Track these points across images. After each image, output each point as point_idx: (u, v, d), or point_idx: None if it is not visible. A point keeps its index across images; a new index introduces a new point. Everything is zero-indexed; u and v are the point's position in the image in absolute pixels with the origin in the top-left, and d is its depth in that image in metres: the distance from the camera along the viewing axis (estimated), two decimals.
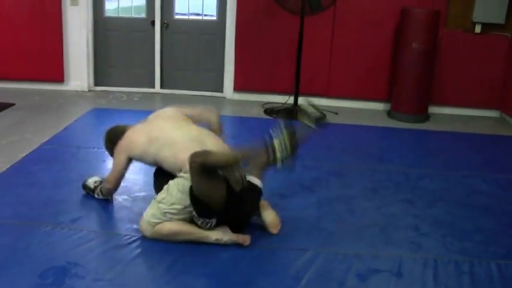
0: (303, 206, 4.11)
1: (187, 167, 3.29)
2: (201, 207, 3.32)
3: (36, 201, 3.97)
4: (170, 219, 3.38)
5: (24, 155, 4.92)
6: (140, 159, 3.70)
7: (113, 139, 3.87)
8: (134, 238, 3.48)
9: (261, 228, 3.62)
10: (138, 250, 3.36)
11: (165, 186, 3.44)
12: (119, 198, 4.04)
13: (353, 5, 7.10)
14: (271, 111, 7.00)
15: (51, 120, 6.16)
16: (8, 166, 4.63)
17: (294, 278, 3.13)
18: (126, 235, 3.52)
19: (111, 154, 3.90)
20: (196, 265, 3.21)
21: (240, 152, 3.57)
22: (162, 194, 3.43)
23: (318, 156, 5.23)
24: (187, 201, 3.32)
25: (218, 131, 3.98)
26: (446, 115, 7.29)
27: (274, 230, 3.64)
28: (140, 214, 3.54)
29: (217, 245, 3.40)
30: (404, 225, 3.89)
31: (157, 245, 3.39)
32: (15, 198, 4.00)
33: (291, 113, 6.89)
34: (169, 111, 3.97)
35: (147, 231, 3.43)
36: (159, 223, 3.38)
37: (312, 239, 3.61)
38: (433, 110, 7.26)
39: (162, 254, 3.32)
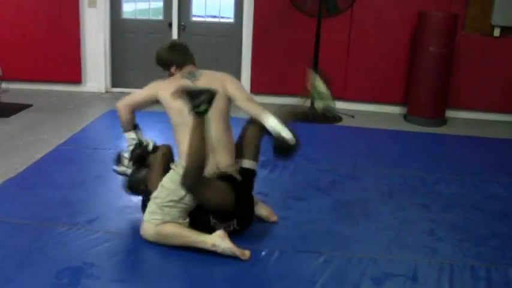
0: (318, 209, 4.10)
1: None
2: (217, 215, 3.40)
3: (52, 201, 4.00)
4: (168, 213, 3.36)
5: (40, 155, 4.95)
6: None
7: (168, 58, 3.88)
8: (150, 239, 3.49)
9: (275, 231, 3.62)
10: (154, 252, 3.37)
11: (160, 183, 3.48)
12: (134, 199, 4.05)
13: (370, 8, 7.08)
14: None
15: (68, 121, 6.20)
16: (25, 167, 4.66)
17: (308, 281, 3.12)
18: (142, 237, 3.53)
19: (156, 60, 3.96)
20: (211, 267, 3.21)
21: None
22: (156, 191, 3.47)
23: (333, 160, 5.22)
24: (182, 192, 3.33)
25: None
26: (464, 119, 7.24)
27: (275, 217, 3.73)
28: None
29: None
30: (420, 229, 3.87)
31: (173, 247, 3.39)
32: (32, 198, 4.03)
33: (307, 115, 6.88)
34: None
35: (148, 231, 3.41)
36: (159, 222, 3.36)
37: (327, 242, 3.60)
38: (450, 114, 7.22)
39: (177, 256, 3.33)
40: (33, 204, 3.93)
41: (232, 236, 3.41)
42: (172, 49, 3.87)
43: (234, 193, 3.42)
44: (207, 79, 3.71)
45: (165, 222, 3.36)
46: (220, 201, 3.38)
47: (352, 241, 3.63)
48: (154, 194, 3.46)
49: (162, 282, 3.12)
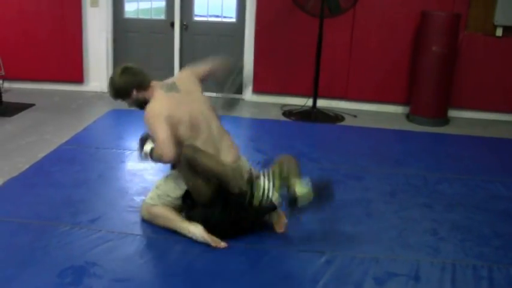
0: (321, 208, 4.09)
1: None
2: (187, 198, 3.61)
3: (55, 201, 4.00)
4: (163, 204, 3.62)
5: (43, 155, 4.96)
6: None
7: (126, 87, 3.75)
8: (152, 239, 3.51)
9: (283, 233, 3.62)
10: (156, 251, 3.38)
11: (167, 175, 3.72)
12: (137, 199, 4.06)
13: (372, 7, 7.07)
14: (289, 113, 6.99)
15: (71, 121, 6.21)
16: (28, 166, 4.67)
17: (310, 281, 3.13)
18: (144, 236, 3.55)
19: (113, 94, 3.83)
20: (214, 267, 3.22)
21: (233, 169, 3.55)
22: (161, 181, 3.73)
23: (336, 159, 5.22)
24: (178, 193, 3.59)
25: (227, 70, 3.99)
26: (466, 119, 7.23)
27: (280, 229, 3.66)
28: None
29: (191, 239, 3.47)
30: (423, 229, 3.87)
31: (175, 246, 3.41)
32: (34, 198, 4.04)
33: (309, 115, 6.89)
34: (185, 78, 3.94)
35: (144, 211, 3.72)
36: (153, 205, 3.64)
37: (329, 241, 3.60)
38: (453, 113, 7.21)
39: (179, 255, 3.34)
40: (36, 203, 3.94)
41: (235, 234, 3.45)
42: (127, 73, 3.72)
43: (216, 192, 3.47)
44: (184, 87, 3.79)
45: (156, 205, 3.64)
46: (196, 188, 3.48)
47: (354, 241, 3.63)
48: (158, 183, 3.73)
49: (164, 281, 3.13)
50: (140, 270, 3.19)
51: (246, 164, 3.81)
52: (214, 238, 3.44)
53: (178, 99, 3.63)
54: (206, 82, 3.95)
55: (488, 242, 3.70)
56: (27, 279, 3.01)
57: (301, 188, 3.41)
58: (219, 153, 3.62)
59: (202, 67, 3.99)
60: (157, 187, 3.70)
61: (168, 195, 3.63)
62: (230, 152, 3.69)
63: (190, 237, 3.46)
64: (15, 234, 3.50)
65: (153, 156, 3.57)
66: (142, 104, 3.69)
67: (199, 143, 3.53)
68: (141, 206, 3.76)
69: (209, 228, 3.47)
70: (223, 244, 3.43)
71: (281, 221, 3.66)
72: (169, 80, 3.84)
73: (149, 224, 3.68)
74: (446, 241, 3.69)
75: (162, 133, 3.46)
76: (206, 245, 3.41)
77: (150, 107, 3.59)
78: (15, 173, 4.49)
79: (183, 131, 3.54)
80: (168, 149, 3.45)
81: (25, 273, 3.06)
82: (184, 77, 3.96)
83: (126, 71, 3.72)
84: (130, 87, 3.67)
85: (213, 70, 3.96)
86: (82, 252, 3.31)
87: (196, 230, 3.45)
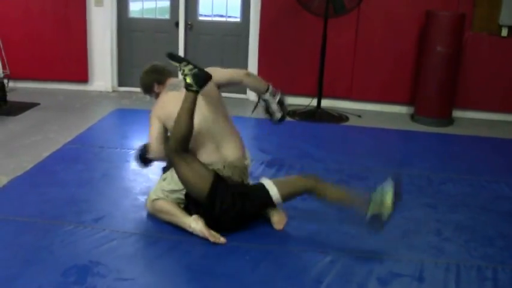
0: (325, 208, 4.08)
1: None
2: (189, 197, 3.63)
3: (59, 200, 4.01)
4: (166, 197, 3.66)
5: (47, 154, 4.97)
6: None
7: (150, 80, 4.07)
8: (156, 238, 3.51)
9: (282, 230, 3.62)
10: (160, 250, 3.38)
11: (172, 169, 3.67)
12: (141, 198, 4.06)
13: (377, 7, 7.06)
14: (294, 113, 6.99)
15: (75, 120, 6.21)
16: (32, 165, 4.68)
17: (314, 281, 3.12)
18: (148, 235, 3.55)
19: (143, 89, 4.14)
20: (217, 266, 3.22)
21: None
22: (166, 175, 3.74)
23: (340, 159, 5.21)
24: (180, 187, 3.60)
25: (258, 87, 4.05)
26: (471, 119, 7.22)
27: (279, 226, 3.68)
28: None
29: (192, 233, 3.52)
30: (427, 229, 3.86)
31: (179, 245, 3.42)
32: (39, 196, 4.04)
33: (314, 115, 6.88)
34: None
35: (148, 204, 3.78)
36: (157, 199, 3.68)
37: (333, 241, 3.60)
38: (457, 114, 7.20)
39: (182, 254, 3.34)
40: (40, 202, 3.95)
41: (239, 232, 3.50)
42: (151, 70, 4.10)
43: (213, 187, 3.47)
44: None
45: (160, 199, 3.67)
46: (194, 184, 3.49)
47: (358, 241, 3.63)
48: (162, 177, 3.77)
49: (168, 280, 3.13)
50: (144, 270, 3.19)
51: (246, 167, 3.83)
52: (214, 233, 3.47)
53: (177, 97, 3.67)
54: (224, 88, 4.01)
55: (493, 243, 3.69)
56: (31, 277, 3.01)
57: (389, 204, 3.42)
58: (219, 149, 3.67)
59: (224, 72, 4.03)
60: (160, 181, 3.76)
61: (170, 190, 3.66)
62: (231, 147, 3.73)
63: (191, 232, 3.51)
64: (20, 232, 3.50)
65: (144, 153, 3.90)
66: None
67: (193, 138, 3.58)
68: (146, 200, 3.83)
69: (212, 222, 3.50)
70: (222, 239, 3.46)
71: (281, 221, 3.69)
72: (179, 78, 3.99)
73: (153, 222, 3.70)
74: (451, 241, 3.68)
75: (152, 131, 3.78)
76: (210, 244, 3.41)
77: (153, 106, 3.89)
78: (19, 172, 4.50)
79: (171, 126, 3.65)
80: (154, 146, 3.78)
81: (29, 272, 3.06)
82: None
83: (150, 68, 4.10)
84: (151, 84, 4.03)
85: (236, 80, 4.01)
86: (86, 251, 3.31)
87: (196, 226, 3.49)
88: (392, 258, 3.42)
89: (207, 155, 3.64)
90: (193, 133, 3.56)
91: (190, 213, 3.59)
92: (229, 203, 3.47)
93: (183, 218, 3.58)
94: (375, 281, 3.15)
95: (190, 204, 3.65)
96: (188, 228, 3.53)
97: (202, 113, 3.70)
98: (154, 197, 3.70)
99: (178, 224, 3.59)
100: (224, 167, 3.63)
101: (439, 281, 3.20)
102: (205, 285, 3.07)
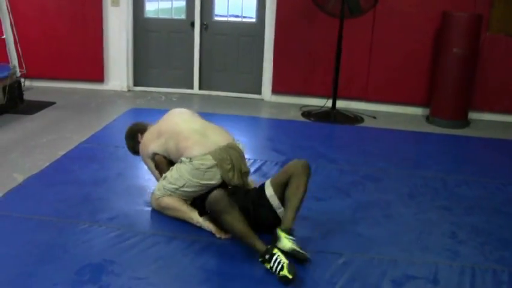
0: (339, 210, 4.09)
1: (186, 153, 3.68)
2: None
3: (74, 199, 4.03)
4: (170, 195, 3.71)
5: (63, 153, 5.00)
6: (163, 154, 3.97)
7: (132, 135, 4.30)
8: (170, 237, 3.51)
9: (295, 232, 3.60)
10: (174, 249, 3.38)
11: (172, 168, 3.76)
12: None
13: (393, 8, 7.04)
14: (308, 114, 6.98)
15: (91, 119, 6.25)
16: (48, 164, 4.71)
17: (328, 282, 3.12)
18: (162, 234, 3.55)
19: (132, 151, 4.34)
20: (229, 266, 3.22)
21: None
22: (168, 173, 3.77)
23: (354, 161, 5.19)
24: (181, 183, 3.64)
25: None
26: (487, 121, 7.17)
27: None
28: None
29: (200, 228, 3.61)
30: (441, 232, 3.84)
31: (193, 245, 3.42)
32: (54, 195, 4.07)
33: (329, 116, 6.87)
34: (182, 110, 4.24)
35: (152, 202, 3.85)
36: (161, 196, 3.73)
37: (347, 243, 3.58)
38: (473, 115, 7.16)
39: (196, 254, 3.34)
40: (56, 201, 3.97)
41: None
42: (131, 131, 4.32)
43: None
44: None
45: (165, 196, 3.73)
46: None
47: (372, 242, 3.61)
48: (165, 175, 3.79)
49: (182, 280, 3.13)
50: (158, 269, 3.20)
51: (241, 151, 3.87)
52: (219, 229, 3.53)
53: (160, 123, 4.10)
54: None
55: (509, 246, 3.66)
56: (45, 276, 3.03)
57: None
58: (207, 137, 3.78)
59: None
60: (163, 178, 3.78)
61: (172, 189, 3.69)
62: (219, 134, 3.86)
63: (198, 227, 3.61)
64: (34, 231, 3.53)
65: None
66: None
67: (177, 140, 3.79)
68: (151, 197, 3.89)
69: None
70: (228, 235, 3.49)
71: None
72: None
73: (168, 222, 3.71)
74: (466, 244, 3.66)
75: (152, 168, 4.09)
76: (223, 244, 3.42)
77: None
78: (35, 171, 4.53)
79: (167, 140, 3.88)
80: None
81: (43, 270, 3.08)
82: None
83: (129, 130, 4.35)
84: (136, 138, 4.26)
85: None
86: (100, 250, 3.32)
87: (203, 222, 3.60)
88: (407, 260, 3.40)
89: (198, 146, 3.69)
90: (176, 134, 3.81)
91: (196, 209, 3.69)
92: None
93: (189, 213, 3.67)
94: (389, 283, 3.14)
95: (197, 200, 3.69)
96: (196, 223, 3.62)
97: (182, 118, 4.00)
98: (158, 194, 3.76)
99: (184, 219, 3.68)
100: (220, 151, 3.67)
101: (453, 284, 3.18)
102: (218, 285, 3.07)
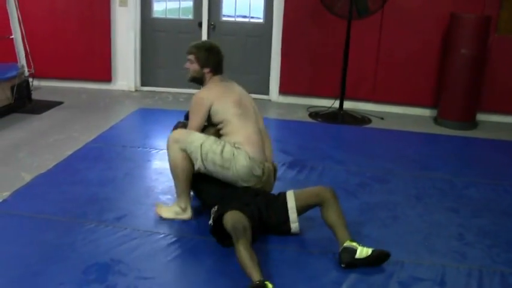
0: (346, 211, 4.04)
1: (243, 147, 3.62)
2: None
3: (81, 198, 4.04)
4: (183, 150, 3.61)
5: (70, 152, 5.01)
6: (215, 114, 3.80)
7: (211, 51, 4.00)
8: (177, 237, 3.52)
9: (302, 232, 3.61)
10: (180, 250, 3.39)
11: (220, 140, 3.66)
12: (163, 197, 4.08)
13: (401, 9, 7.01)
14: (316, 114, 6.98)
15: (98, 119, 6.26)
16: (55, 163, 4.72)
17: (334, 283, 3.11)
18: (169, 234, 3.56)
19: (190, 61, 4.03)
20: (236, 267, 3.21)
21: None
22: (212, 139, 3.65)
23: (362, 162, 5.19)
24: (210, 157, 3.58)
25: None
26: (495, 123, 7.14)
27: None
28: None
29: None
30: (448, 234, 3.82)
31: (200, 245, 3.43)
32: (61, 195, 4.08)
33: (336, 117, 6.86)
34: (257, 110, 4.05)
35: (171, 147, 3.69)
36: (182, 148, 3.61)
37: None
38: (481, 117, 7.13)
39: (203, 255, 3.34)
40: (63, 200, 3.98)
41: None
42: (211, 51, 3.94)
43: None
44: (240, 93, 4.00)
45: (184, 150, 3.63)
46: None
47: (379, 244, 3.59)
48: (206, 141, 3.62)
49: (188, 280, 3.14)
50: (165, 269, 3.20)
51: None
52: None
53: (229, 87, 3.94)
54: None
55: None
56: (52, 275, 3.04)
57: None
58: (263, 145, 3.78)
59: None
60: (202, 143, 3.63)
61: (200, 152, 3.59)
62: (268, 153, 3.85)
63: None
64: (42, 230, 3.54)
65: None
66: (199, 82, 4.04)
67: (243, 125, 3.72)
68: (171, 135, 3.74)
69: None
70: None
71: None
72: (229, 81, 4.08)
73: (175, 222, 3.71)
74: (473, 247, 3.65)
75: (195, 121, 3.78)
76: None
77: (198, 93, 3.91)
78: (43, 170, 4.54)
79: (230, 109, 3.75)
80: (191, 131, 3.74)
81: (50, 269, 3.09)
82: (246, 94, 4.09)
83: (211, 49, 3.96)
84: (206, 64, 3.92)
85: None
86: (107, 249, 3.33)
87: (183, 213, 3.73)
88: (414, 262, 3.39)
89: (254, 148, 3.69)
90: (246, 125, 3.74)
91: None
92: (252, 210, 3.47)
93: (188, 187, 3.73)
94: (396, 285, 3.13)
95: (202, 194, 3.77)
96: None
97: (259, 119, 3.91)
98: (179, 146, 3.63)
99: (178, 181, 3.71)
100: (263, 171, 3.69)
101: (460, 287, 3.17)
102: (225, 285, 3.07)
